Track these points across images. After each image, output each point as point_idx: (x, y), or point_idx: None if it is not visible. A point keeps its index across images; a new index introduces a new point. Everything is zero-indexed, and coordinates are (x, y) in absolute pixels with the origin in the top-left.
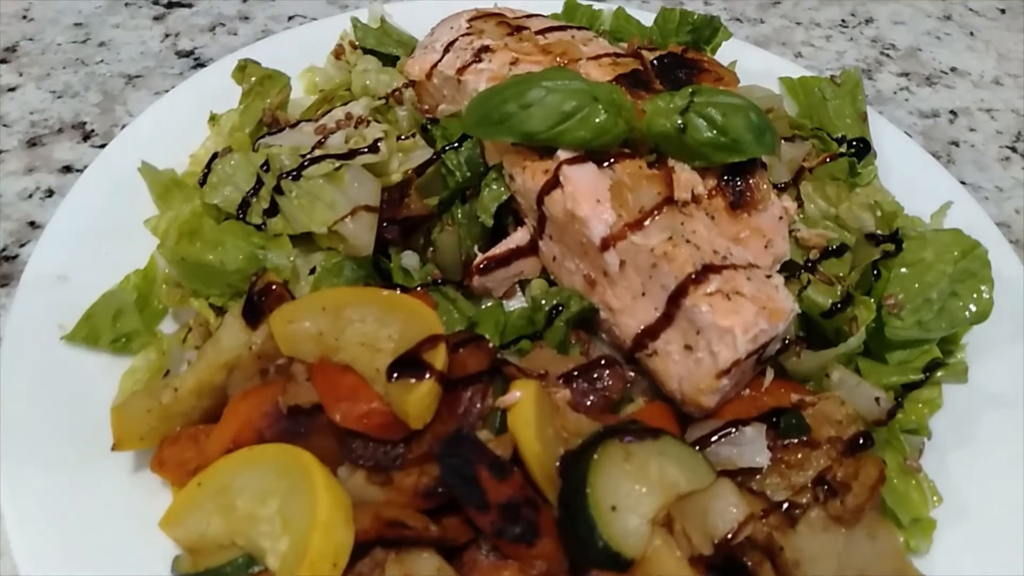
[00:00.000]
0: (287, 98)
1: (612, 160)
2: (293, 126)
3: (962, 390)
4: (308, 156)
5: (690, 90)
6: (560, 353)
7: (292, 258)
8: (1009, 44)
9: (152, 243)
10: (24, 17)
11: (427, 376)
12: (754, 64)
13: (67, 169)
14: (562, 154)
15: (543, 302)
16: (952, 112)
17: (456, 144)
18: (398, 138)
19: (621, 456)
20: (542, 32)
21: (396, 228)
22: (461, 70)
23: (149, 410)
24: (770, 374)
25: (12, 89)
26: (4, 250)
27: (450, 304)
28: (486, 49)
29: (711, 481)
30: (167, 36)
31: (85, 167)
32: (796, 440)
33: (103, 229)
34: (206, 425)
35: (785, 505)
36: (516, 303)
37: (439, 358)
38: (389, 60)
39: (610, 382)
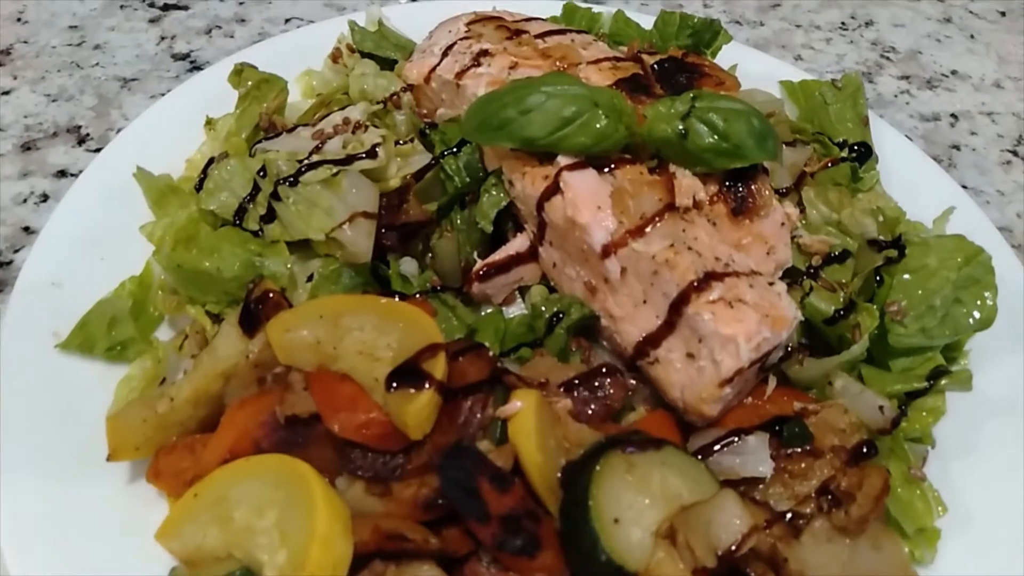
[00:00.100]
0: (284, 102)
1: (612, 166)
2: (290, 131)
3: (965, 397)
4: (305, 162)
5: (691, 95)
6: (561, 361)
7: (289, 265)
8: (1009, 47)
9: (148, 249)
10: (18, 19)
11: (426, 386)
12: (754, 67)
13: (62, 173)
14: (562, 160)
15: (543, 309)
16: (953, 115)
17: (455, 149)
18: (396, 143)
19: (623, 467)
20: (541, 36)
21: (394, 234)
22: (460, 74)
23: (145, 420)
24: (772, 382)
25: (6, 92)
26: None
27: (449, 311)
28: (485, 53)
29: (714, 492)
30: (163, 39)
31: (80, 171)
32: (799, 449)
33: (98, 235)
34: (203, 435)
35: (788, 515)
36: (516, 310)
37: (439, 367)
38: (387, 64)
39: (611, 391)
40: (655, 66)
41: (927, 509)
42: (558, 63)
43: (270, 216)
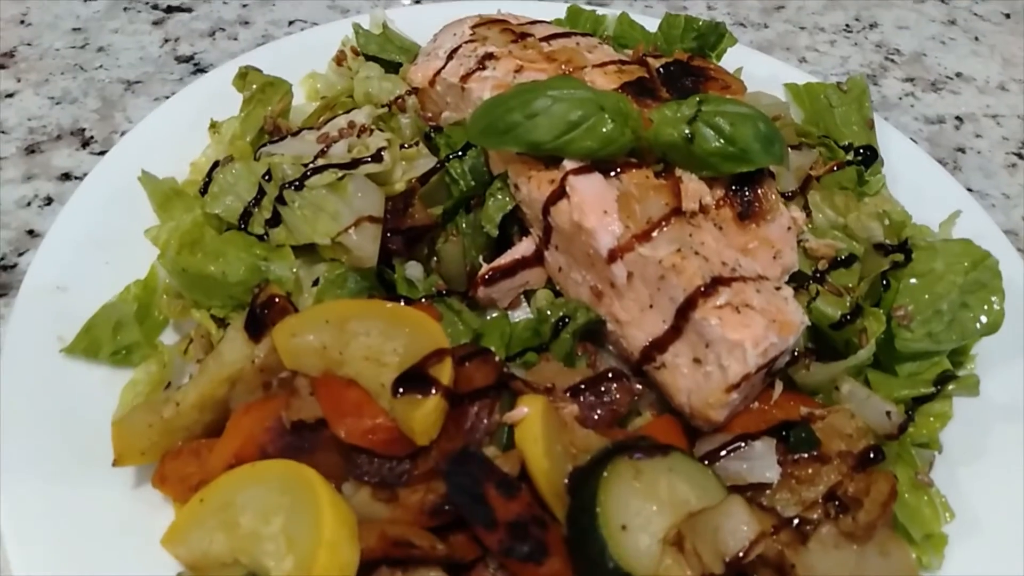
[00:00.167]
0: (289, 105)
1: (619, 170)
2: (295, 134)
3: (971, 401)
4: (311, 166)
5: (697, 99)
6: (567, 365)
7: (295, 269)
8: (1014, 49)
9: (153, 252)
10: (22, 22)
11: (433, 392)
12: (759, 70)
13: (66, 176)
14: (568, 164)
15: (549, 313)
16: (958, 118)
17: (460, 153)
18: (401, 146)
19: (631, 473)
20: (546, 39)
21: (400, 238)
22: (465, 77)
23: (150, 425)
24: (779, 387)
25: (10, 95)
26: (3, 259)
27: (455, 316)
28: (490, 56)
29: (722, 498)
30: (166, 41)
31: (84, 174)
32: (806, 455)
33: (103, 238)
34: (208, 439)
35: (796, 521)
36: (521, 314)
37: (445, 373)
38: (391, 67)
39: (618, 395)
40: (661, 69)
41: (934, 515)
42: (563, 66)
43: (275, 220)
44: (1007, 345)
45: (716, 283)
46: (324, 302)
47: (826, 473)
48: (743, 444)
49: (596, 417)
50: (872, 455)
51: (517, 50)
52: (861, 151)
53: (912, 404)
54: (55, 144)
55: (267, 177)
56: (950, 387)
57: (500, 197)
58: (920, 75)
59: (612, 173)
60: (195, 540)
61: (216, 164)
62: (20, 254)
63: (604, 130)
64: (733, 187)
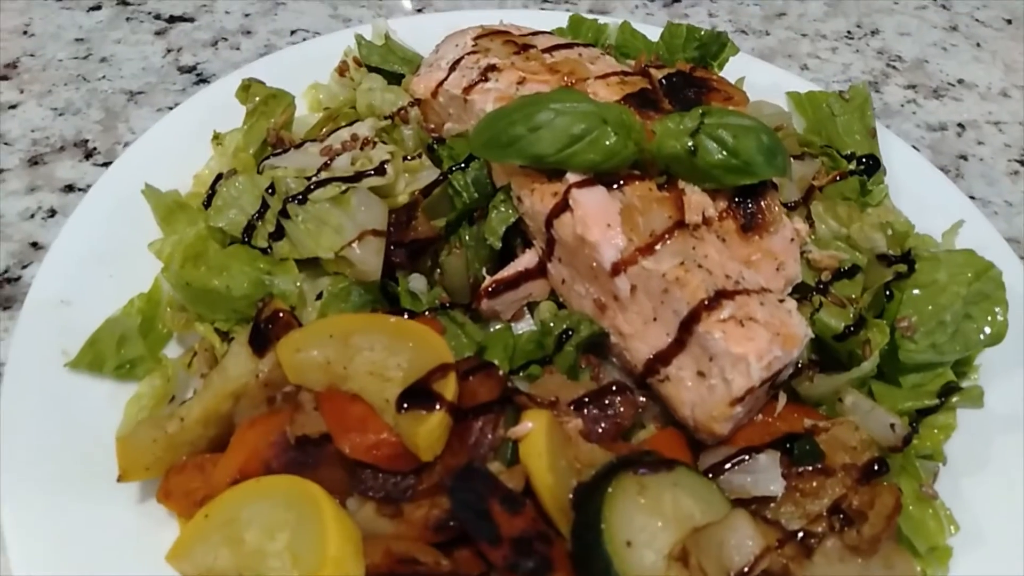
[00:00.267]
0: (291, 117)
1: (622, 182)
2: (298, 146)
3: (975, 412)
4: (314, 179)
5: (700, 111)
6: (570, 378)
7: (298, 283)
8: (1015, 55)
9: (156, 265)
10: (25, 32)
11: (437, 407)
12: (761, 78)
13: (69, 188)
14: (571, 177)
15: (552, 326)
16: (960, 125)
17: (463, 165)
18: (404, 158)
19: (635, 489)
20: (549, 50)
21: (403, 251)
22: (467, 89)
23: (155, 440)
24: (783, 399)
25: (13, 107)
26: (6, 272)
27: (458, 328)
28: (492, 68)
29: (726, 512)
30: (169, 51)
31: (88, 186)
32: (810, 467)
33: (106, 251)
34: (213, 454)
35: (800, 535)
36: (525, 326)
37: (449, 388)
38: (394, 78)
39: (621, 409)
40: (663, 81)
41: (939, 527)
42: (566, 78)
43: (279, 234)
44: (1010, 355)
45: (720, 296)
46: (328, 316)
47: (830, 486)
48: (747, 457)
49: (600, 431)
50: (876, 467)
51: (519, 62)
52: (863, 160)
53: (916, 416)
54: (58, 155)
55: (270, 190)
56: (954, 399)
57: (503, 209)
58: (922, 82)
59: (615, 186)
60: (200, 556)
61: (219, 177)
62: (24, 267)
63: (607, 143)
64: (736, 199)
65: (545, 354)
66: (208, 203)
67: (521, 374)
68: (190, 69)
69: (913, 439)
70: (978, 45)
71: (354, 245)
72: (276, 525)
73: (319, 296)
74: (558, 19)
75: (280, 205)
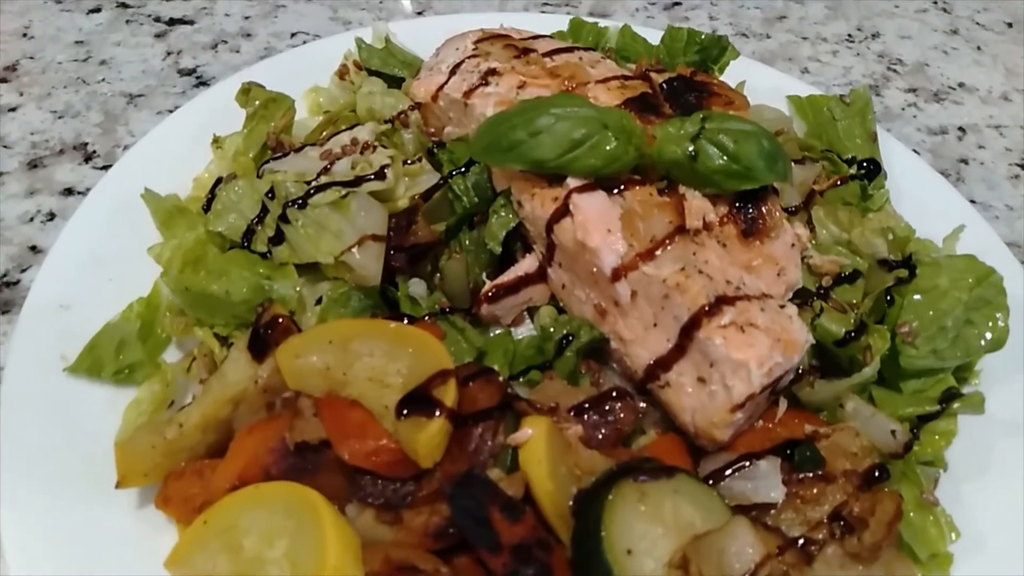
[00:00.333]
0: (291, 121)
1: (622, 187)
2: (298, 150)
3: (975, 417)
4: (314, 183)
5: (701, 116)
6: (570, 384)
7: (298, 288)
8: (1016, 58)
9: (156, 269)
10: (24, 35)
11: (437, 414)
12: (761, 82)
13: (68, 192)
14: (571, 182)
15: (552, 331)
16: (961, 129)
17: (463, 169)
18: (404, 162)
19: (636, 497)
20: (549, 54)
21: (403, 256)
22: (468, 93)
23: (154, 446)
24: (783, 404)
25: (12, 109)
26: (5, 276)
27: (458, 334)
28: (493, 72)
29: (727, 520)
30: (169, 54)
31: (87, 189)
32: (811, 474)
33: (105, 255)
34: (211, 460)
35: (801, 541)
36: (525, 330)
37: (449, 395)
38: (394, 81)
39: (622, 415)
40: (664, 85)
41: (940, 534)
42: (566, 82)
43: (279, 238)
44: (1010, 360)
45: (720, 302)
46: (327, 321)
47: (831, 492)
48: (748, 463)
49: (600, 436)
50: (877, 474)
51: (520, 66)
52: (864, 165)
53: (917, 422)
54: (58, 159)
55: (270, 195)
56: (955, 405)
57: (503, 214)
58: (923, 85)
59: (615, 191)
60: (198, 563)
61: (219, 181)
62: (23, 270)
63: (608, 148)
64: (737, 204)
65: (545, 359)
66: (208, 207)
67: (521, 380)
68: (190, 72)
69: (914, 445)
70: (979, 48)
71: (354, 250)
72: (275, 532)
73: (319, 301)
74: (559, 22)
75: (280, 210)
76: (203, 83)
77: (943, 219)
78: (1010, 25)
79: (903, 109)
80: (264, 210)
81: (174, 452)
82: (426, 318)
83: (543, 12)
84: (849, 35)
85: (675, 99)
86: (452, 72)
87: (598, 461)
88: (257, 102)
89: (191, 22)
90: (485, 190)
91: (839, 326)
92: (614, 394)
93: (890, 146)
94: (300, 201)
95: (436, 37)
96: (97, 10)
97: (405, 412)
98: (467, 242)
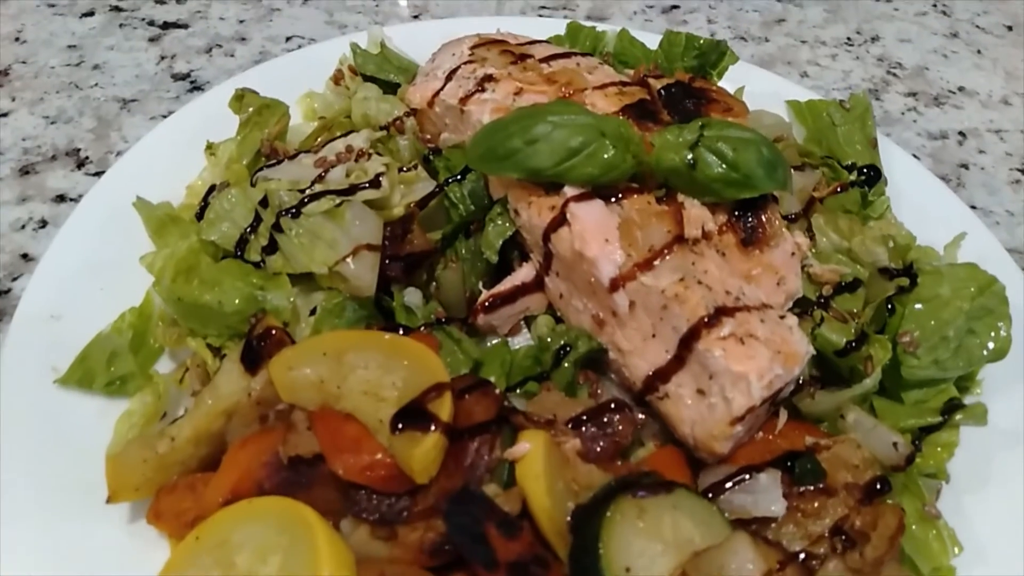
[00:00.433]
0: (286, 128)
1: (620, 195)
2: (292, 157)
3: (977, 428)
4: (308, 192)
5: (699, 123)
6: (568, 394)
7: (292, 298)
8: (1016, 62)
9: (148, 278)
10: (17, 39)
11: (432, 428)
12: (760, 87)
13: (61, 198)
14: (569, 190)
15: (550, 341)
16: (961, 133)
17: (459, 176)
18: (400, 169)
19: (634, 513)
20: (546, 60)
21: (399, 265)
22: (464, 99)
23: (145, 460)
24: (783, 416)
25: (4, 115)
26: None
27: (454, 344)
28: (489, 78)
29: (726, 535)
30: (163, 58)
31: (79, 196)
32: (812, 487)
33: (98, 264)
34: (204, 473)
35: (802, 556)
36: (522, 340)
37: (445, 408)
38: (389, 87)
39: (620, 427)
40: (662, 91)
41: (942, 548)
42: (563, 88)
43: (272, 247)
44: (1011, 369)
45: (720, 313)
46: (321, 332)
47: (832, 506)
48: (748, 476)
49: (598, 449)
50: (879, 486)
51: (517, 72)
52: (864, 171)
53: (919, 434)
54: (50, 165)
55: (263, 203)
56: (957, 416)
57: (500, 223)
58: (922, 89)
59: (613, 199)
60: None
61: (212, 188)
62: (14, 279)
63: (605, 156)
64: (736, 212)
65: (542, 370)
66: (201, 215)
67: (518, 391)
68: (184, 76)
69: (916, 458)
70: (979, 52)
71: (348, 260)
72: (268, 548)
73: (313, 311)
74: (556, 26)
75: (273, 218)
76: (197, 88)
77: (943, 225)
78: (1010, 28)
79: (903, 113)
80: (257, 219)
81: (166, 466)
82: (422, 328)
83: (540, 16)
84: (848, 38)
85: (673, 106)
86: (448, 78)
87: (596, 476)
88: (251, 108)
89: (185, 26)
90: (481, 198)
91: (840, 336)
92: (612, 406)
93: (890, 151)
94: (294, 210)
95: (432, 42)
96: (90, 14)
97: (400, 426)
98: (463, 251)
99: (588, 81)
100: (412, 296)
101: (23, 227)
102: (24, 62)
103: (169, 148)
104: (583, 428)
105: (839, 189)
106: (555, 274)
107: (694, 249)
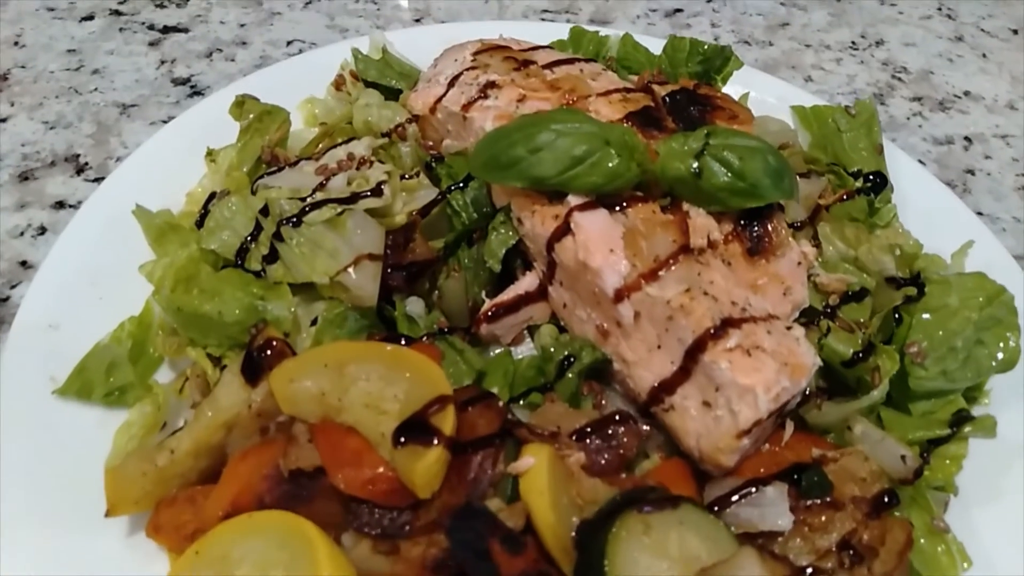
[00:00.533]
0: (286, 134)
1: (624, 204)
2: (293, 165)
3: (985, 440)
4: (309, 200)
5: (705, 131)
6: (572, 405)
7: (293, 309)
8: (1022, 66)
9: (148, 286)
10: (16, 43)
11: (435, 442)
12: (765, 92)
13: (60, 205)
14: (572, 199)
15: (553, 351)
16: (967, 139)
17: (462, 184)
18: (401, 177)
19: (640, 528)
20: (549, 66)
21: (401, 274)
22: (467, 106)
23: (144, 473)
24: (790, 427)
25: (3, 120)
26: None
27: (457, 355)
28: (492, 85)
29: (733, 551)
30: (163, 63)
31: (79, 202)
32: (819, 500)
33: (97, 272)
34: (204, 486)
35: (809, 571)
36: (525, 349)
37: (447, 422)
38: (391, 93)
39: (625, 439)
40: (667, 98)
41: (951, 562)
42: (567, 95)
43: (273, 257)
44: (1020, 379)
45: (726, 324)
46: (323, 343)
47: (840, 520)
48: (754, 490)
49: (603, 462)
50: (887, 500)
51: (519, 78)
52: (870, 178)
53: (927, 446)
54: (49, 171)
55: (264, 212)
56: (966, 429)
57: (503, 231)
58: (928, 94)
59: (618, 208)
60: None
61: (212, 196)
62: (13, 286)
63: (610, 165)
64: (742, 221)
65: (546, 381)
66: (201, 223)
67: (521, 402)
68: (184, 81)
69: (924, 471)
70: (984, 56)
71: (350, 270)
72: (269, 563)
73: (314, 321)
74: (559, 30)
75: (274, 227)
76: (197, 92)
77: (950, 232)
78: (1015, 32)
79: (908, 119)
80: (258, 227)
81: (165, 479)
82: (424, 338)
83: (543, 19)
84: (853, 42)
85: (678, 113)
86: (450, 84)
87: (601, 490)
88: (251, 115)
89: (185, 30)
90: (484, 205)
91: (846, 346)
92: (617, 418)
93: (895, 157)
94: (295, 219)
95: (434, 47)
96: (90, 17)
97: (402, 440)
98: (466, 259)
99: (592, 88)
100: (414, 305)
101: (22, 234)
102: (23, 66)
103: (169, 154)
104: (587, 440)
105: (845, 197)
106: (559, 284)
107: (699, 259)
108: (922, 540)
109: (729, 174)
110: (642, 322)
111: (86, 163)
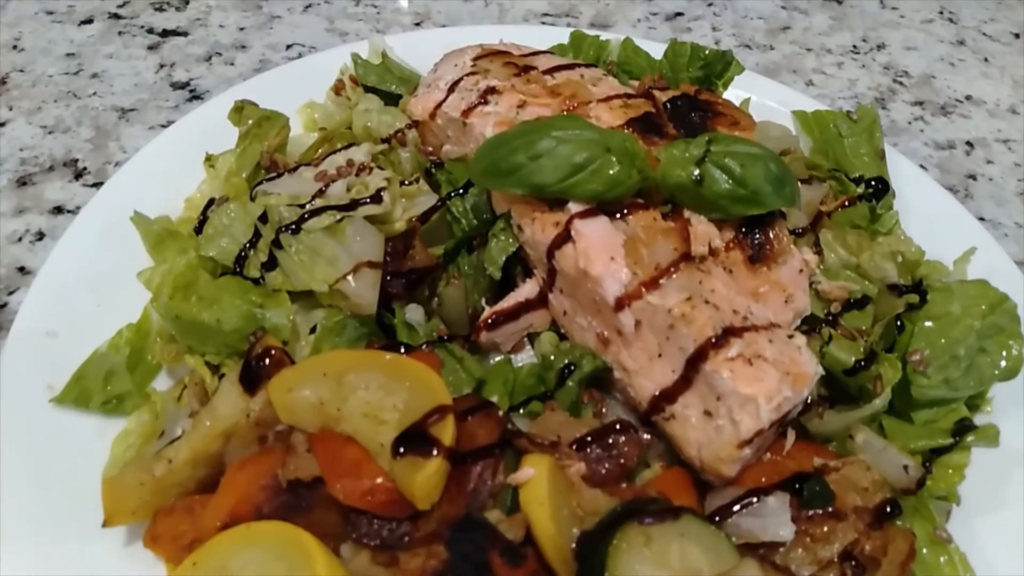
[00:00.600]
0: (286, 140)
1: (625, 212)
2: (292, 171)
3: (988, 449)
4: (308, 207)
5: (706, 138)
6: (572, 414)
7: (291, 316)
8: None
9: (146, 293)
10: (15, 47)
11: (434, 453)
12: (766, 96)
13: (58, 210)
14: (573, 207)
15: (554, 359)
16: (968, 143)
17: (461, 190)
18: (401, 183)
19: (641, 540)
20: (550, 72)
21: (400, 281)
22: (467, 112)
23: (142, 483)
24: (792, 436)
25: (2, 124)
26: None
27: (456, 363)
28: (492, 91)
29: (735, 563)
30: (162, 67)
31: (77, 207)
32: (821, 510)
33: (95, 279)
34: (202, 496)
35: None
36: (525, 357)
37: (447, 432)
38: (391, 98)
39: (626, 448)
40: (668, 104)
41: (954, 572)
42: (567, 101)
43: (272, 264)
44: (1022, 388)
45: (727, 333)
46: (322, 351)
47: (842, 530)
48: (755, 500)
49: (604, 472)
50: (889, 510)
51: (520, 84)
52: (872, 184)
53: (930, 455)
54: (47, 176)
55: (263, 219)
56: (969, 438)
57: (503, 238)
58: (929, 98)
59: (618, 215)
60: None
61: (211, 202)
62: (11, 292)
63: (610, 172)
64: (743, 229)
65: (546, 389)
66: (199, 229)
67: (521, 411)
68: (183, 85)
69: (927, 480)
70: (986, 60)
71: (349, 278)
72: (267, 575)
73: (313, 329)
74: (559, 35)
75: (273, 234)
76: (196, 97)
77: (952, 238)
78: (1017, 36)
79: (909, 123)
80: (257, 235)
81: (163, 489)
82: (423, 346)
83: (543, 24)
84: (854, 46)
85: (679, 119)
86: (450, 89)
87: (602, 501)
88: (250, 120)
89: (185, 33)
90: (484, 212)
91: (848, 354)
92: (617, 427)
93: (897, 162)
94: (293, 226)
95: (434, 51)
96: (89, 21)
97: (401, 451)
98: (466, 267)
99: (592, 93)
100: (414, 313)
101: (20, 239)
102: (22, 70)
103: (168, 160)
104: (588, 450)
105: (847, 203)
106: (559, 291)
107: (701, 267)
108: (924, 550)
109: (730, 181)
110: (643, 330)
111: (84, 168)
